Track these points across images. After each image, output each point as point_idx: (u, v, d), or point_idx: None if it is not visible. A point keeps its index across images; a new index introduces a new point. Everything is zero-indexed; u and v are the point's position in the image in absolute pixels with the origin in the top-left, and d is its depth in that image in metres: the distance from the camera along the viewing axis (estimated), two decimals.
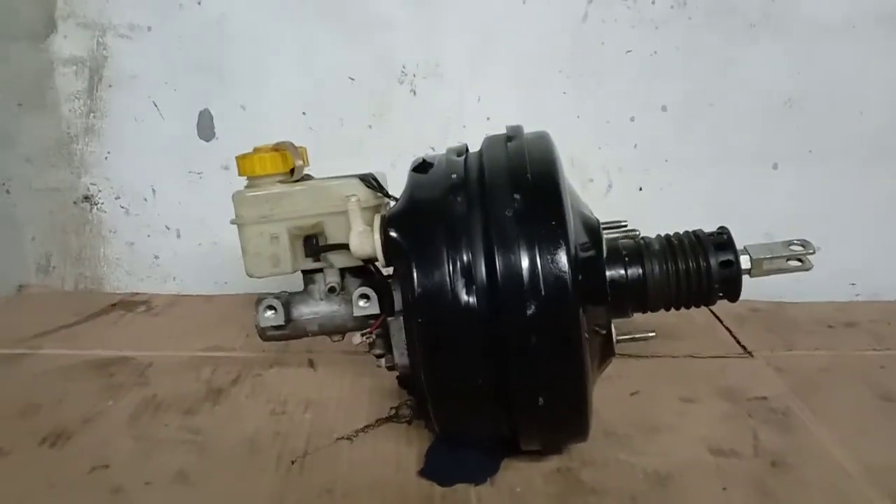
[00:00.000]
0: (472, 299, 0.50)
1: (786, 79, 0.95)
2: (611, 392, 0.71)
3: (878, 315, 0.94)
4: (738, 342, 0.85)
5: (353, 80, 0.92)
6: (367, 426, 0.66)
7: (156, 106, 0.93)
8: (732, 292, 0.58)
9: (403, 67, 0.92)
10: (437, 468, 0.59)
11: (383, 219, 0.54)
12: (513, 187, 0.51)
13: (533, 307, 0.49)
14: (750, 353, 0.82)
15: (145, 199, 0.97)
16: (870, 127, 0.96)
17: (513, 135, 0.57)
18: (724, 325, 0.90)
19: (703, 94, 0.94)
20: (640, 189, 0.97)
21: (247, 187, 0.60)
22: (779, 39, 0.93)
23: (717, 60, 0.94)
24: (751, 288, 0.89)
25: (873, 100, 0.95)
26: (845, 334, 0.89)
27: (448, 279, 0.51)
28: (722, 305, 0.91)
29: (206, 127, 0.94)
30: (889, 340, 0.86)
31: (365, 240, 0.54)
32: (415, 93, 0.92)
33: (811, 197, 0.97)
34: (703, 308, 0.92)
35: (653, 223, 0.62)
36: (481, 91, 0.92)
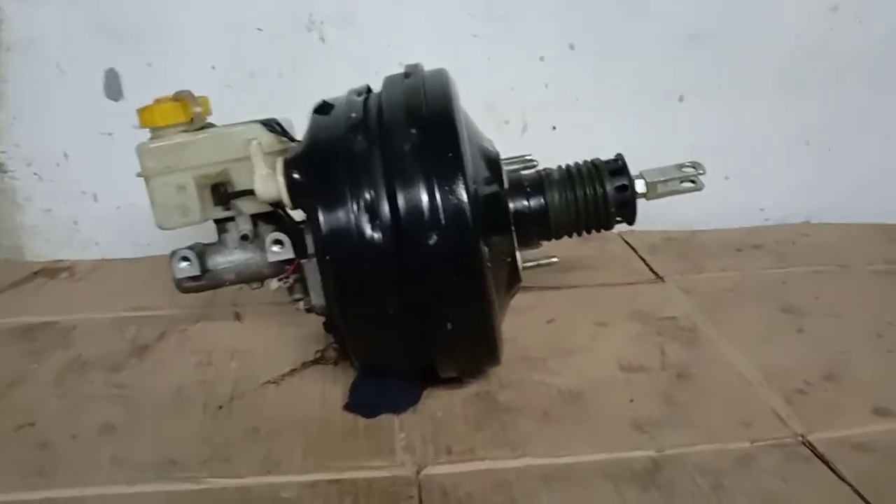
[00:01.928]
0: (378, 234, 0.52)
1: (693, 12, 0.97)
2: (528, 321, 0.74)
3: (784, 237, 1.00)
4: (651, 269, 0.89)
5: (260, 30, 0.92)
6: (293, 370, 0.67)
7: (59, 67, 0.91)
8: (629, 215, 0.62)
9: (311, 15, 0.91)
10: (361, 401, 0.61)
11: (286, 161, 0.55)
12: (409, 122, 0.53)
13: (434, 237, 0.51)
14: (661, 279, 0.86)
15: (58, 164, 0.95)
16: (776, 59, 1.00)
17: (410, 72, 0.58)
18: (637, 254, 0.94)
19: (611, 31, 0.97)
20: (554, 128, 0.99)
21: (150, 139, 0.60)
22: None
23: None
24: (665, 218, 0.94)
25: (779, 32, 0.99)
26: (752, 256, 0.94)
27: (352, 216, 0.52)
28: (637, 236, 0.98)
29: (113, 87, 0.92)
30: (792, 259, 0.92)
31: (269, 183, 0.55)
32: (324, 40, 0.92)
33: (721, 128, 1.01)
34: (619, 239, 0.99)
35: (569, 161, 0.64)
36: (392, 37, 0.93)
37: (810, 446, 0.55)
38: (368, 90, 0.60)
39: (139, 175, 0.59)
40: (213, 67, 0.92)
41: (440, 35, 0.94)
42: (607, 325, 0.75)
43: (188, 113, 0.59)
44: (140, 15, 0.91)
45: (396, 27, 0.94)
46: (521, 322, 0.71)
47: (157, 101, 0.59)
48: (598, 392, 0.63)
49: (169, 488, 0.52)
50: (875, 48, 1.00)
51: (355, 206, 0.52)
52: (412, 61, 0.62)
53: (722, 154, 0.87)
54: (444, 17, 0.95)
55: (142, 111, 0.59)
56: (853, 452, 0.54)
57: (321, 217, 0.52)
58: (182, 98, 0.59)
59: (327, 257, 0.53)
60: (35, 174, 0.96)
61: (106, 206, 0.97)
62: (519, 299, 0.64)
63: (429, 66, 0.61)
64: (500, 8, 0.94)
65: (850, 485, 0.50)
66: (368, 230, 0.52)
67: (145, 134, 0.62)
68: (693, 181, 0.63)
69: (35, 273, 0.95)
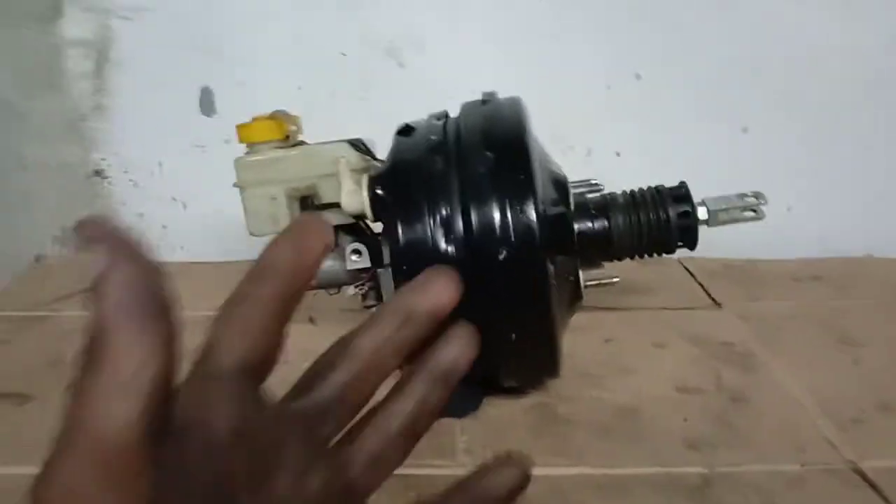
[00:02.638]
0: (451, 248, 0.56)
1: (757, 43, 0.99)
2: (586, 340, 0.77)
3: (843, 269, 1.00)
4: (709, 295, 0.90)
5: (344, 55, 0.98)
6: None
7: (159, 84, 0.99)
8: (690, 241, 0.64)
9: (391, 42, 0.97)
10: None
11: (370, 178, 0.59)
12: (485, 146, 0.57)
13: (504, 252, 0.55)
14: (719, 305, 0.88)
15: (152, 173, 1.03)
16: (835, 89, 1.01)
17: (487, 99, 0.62)
18: (696, 280, 0.95)
19: (675, 60, 0.99)
20: (618, 155, 1.02)
21: (246, 153, 0.65)
22: (746, 7, 0.98)
23: (688, 26, 0.99)
24: (725, 246, 0.96)
25: (837, 63, 1.00)
26: (810, 287, 0.94)
27: (429, 230, 0.57)
28: (696, 262, 1.00)
29: (207, 103, 0.99)
30: (851, 291, 0.92)
31: (354, 198, 0.60)
32: (402, 65, 0.98)
33: (781, 159, 1.02)
34: (678, 265, 1.00)
35: (631, 187, 0.67)
36: (464, 63, 0.98)
37: (861, 474, 0.56)
38: (447, 115, 0.64)
39: (235, 185, 0.65)
40: (300, 88, 0.98)
41: (510, 62, 0.99)
42: (664, 347, 0.77)
43: (283, 130, 0.64)
44: (234, 37, 0.98)
45: (468, 55, 0.98)
46: (579, 340, 0.74)
47: (255, 118, 0.65)
48: (653, 410, 0.65)
49: None
50: None
51: (432, 222, 0.56)
52: (484, 88, 0.66)
53: (785, 184, 0.88)
54: (515, 46, 0.99)
55: (240, 127, 0.64)
56: None
57: (400, 230, 0.57)
58: (277, 117, 0.64)
59: (403, 267, 0.57)
60: (131, 181, 1.03)
61: (194, 214, 1.04)
62: (578, 319, 0.67)
63: (501, 91, 0.65)
64: (569, 36, 0.98)
65: None
66: (443, 244, 0.56)
67: (236, 148, 0.68)
68: (755, 211, 0.65)
69: None
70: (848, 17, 0.98)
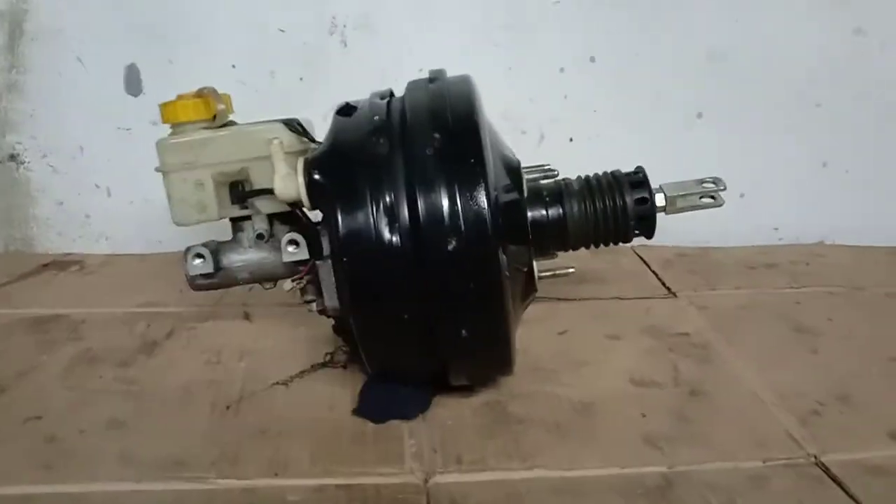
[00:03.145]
0: (396, 238, 0.52)
1: (712, 31, 0.98)
2: (540, 332, 0.74)
3: (798, 257, 0.99)
4: (664, 284, 0.88)
5: (283, 31, 0.92)
6: (302, 372, 0.67)
7: (81, 61, 0.91)
8: (648, 229, 0.61)
9: (333, 18, 0.92)
10: (371, 406, 0.61)
11: (306, 161, 0.54)
12: (432, 127, 0.52)
13: (453, 243, 0.50)
14: (674, 294, 0.86)
15: (73, 157, 0.96)
16: (796, 79, 1.00)
17: (435, 77, 0.58)
18: (650, 269, 0.93)
19: (632, 45, 0.97)
20: (571, 140, 0.99)
21: (170, 134, 0.60)
22: None
23: (644, 12, 0.96)
24: (678, 234, 0.94)
25: (801, 53, 0.99)
26: (765, 274, 0.93)
27: (372, 219, 0.52)
28: (651, 251, 0.97)
29: (133, 82, 0.93)
30: (805, 279, 0.91)
31: (289, 183, 0.55)
32: (345, 44, 0.93)
33: (736, 146, 1.01)
34: (632, 253, 0.98)
35: (584, 172, 0.64)
36: (413, 43, 0.93)
37: (824, 467, 0.54)
38: (391, 94, 0.60)
39: (158, 170, 0.59)
40: (234, 66, 0.92)
41: (461, 43, 0.95)
42: (619, 338, 0.74)
43: (210, 110, 0.59)
44: (163, 12, 0.91)
45: (417, 35, 0.94)
46: (533, 333, 0.71)
47: (180, 96, 0.59)
48: (609, 406, 0.62)
49: (177, 487, 0.51)
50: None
51: (375, 209, 0.52)
52: (433, 68, 0.62)
53: (738, 172, 0.86)
54: (466, 26, 0.95)
55: (164, 106, 0.59)
56: (867, 475, 0.53)
57: (340, 218, 0.52)
58: (205, 95, 0.59)
59: (344, 259, 0.53)
60: (50, 166, 0.96)
61: (119, 202, 0.97)
62: (531, 310, 0.63)
63: (449, 73, 0.61)
64: (522, 18, 0.94)
65: None
66: (387, 233, 0.52)
67: (163, 130, 0.62)
68: (713, 197, 0.62)
69: (45, 265, 0.95)
70: (805, 6, 0.97)
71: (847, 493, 0.51)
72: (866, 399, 0.63)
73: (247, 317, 0.79)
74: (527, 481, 0.52)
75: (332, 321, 0.67)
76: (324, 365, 0.68)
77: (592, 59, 0.97)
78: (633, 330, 0.76)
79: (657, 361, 0.70)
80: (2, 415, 0.60)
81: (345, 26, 0.92)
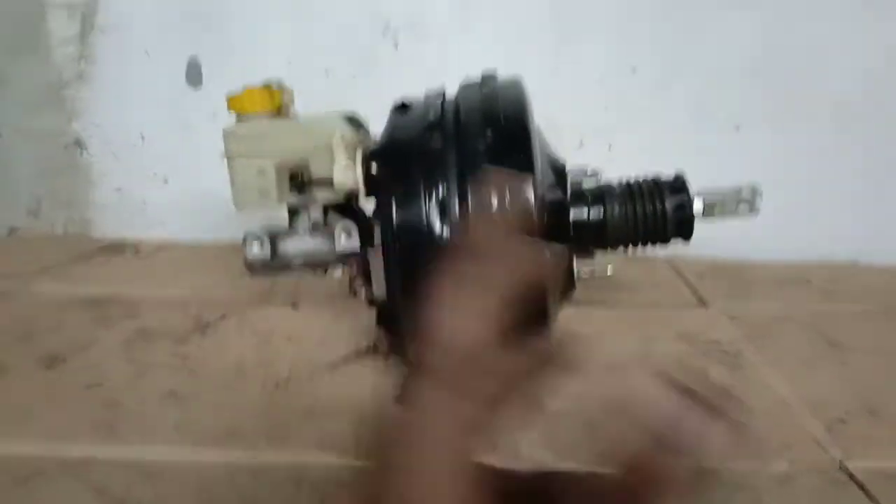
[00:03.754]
0: (447, 229, 0.55)
1: (752, 44, 0.99)
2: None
3: (831, 274, 1.00)
4: (696, 294, 0.90)
5: (339, 31, 0.95)
6: (346, 358, 0.70)
7: (146, 52, 0.96)
8: (686, 233, 0.63)
9: (387, 21, 0.95)
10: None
11: (365, 154, 0.58)
12: (485, 124, 0.55)
13: None
14: (706, 304, 0.87)
15: (134, 146, 1.00)
16: (834, 94, 1.01)
17: (487, 78, 0.61)
18: (683, 279, 0.95)
19: (671, 56, 0.99)
20: (610, 147, 1.01)
21: (237, 123, 0.63)
22: (746, 6, 0.98)
23: (685, 24, 0.98)
24: (712, 246, 0.95)
25: (840, 68, 1.00)
26: (798, 290, 0.94)
27: (424, 211, 0.55)
28: (684, 261, 0.99)
29: (194, 74, 0.97)
30: (838, 296, 0.92)
31: (347, 173, 0.58)
32: (397, 46, 0.96)
33: (772, 161, 1.02)
34: (666, 264, 0.99)
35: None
36: (462, 46, 0.96)
37: (848, 473, 0.56)
38: (444, 94, 0.63)
39: (223, 156, 0.63)
40: (289, 62, 0.96)
41: (506, 50, 0.97)
42: (651, 344, 0.76)
43: (275, 102, 0.62)
44: (225, 6, 0.95)
45: (465, 38, 0.97)
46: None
47: (247, 88, 0.63)
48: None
49: (229, 458, 0.55)
50: None
51: (428, 201, 0.54)
52: (483, 69, 0.64)
53: (774, 186, 0.88)
54: (513, 33, 0.98)
55: (232, 97, 0.62)
56: (891, 482, 0.54)
57: (394, 209, 0.55)
58: (271, 87, 0.62)
59: (396, 248, 0.56)
60: (111, 153, 1.00)
61: (175, 190, 1.01)
62: (564, 314, 0.66)
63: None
64: (568, 25, 0.97)
65: None
66: (438, 225, 0.55)
67: (221, 122, 0.65)
68: (750, 204, 0.64)
69: (101, 248, 1.00)
70: (847, 20, 0.98)
71: (870, 497, 0.53)
72: (893, 411, 0.65)
73: (294, 306, 0.82)
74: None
75: (373, 313, 0.70)
76: (367, 352, 0.71)
77: (634, 70, 0.99)
78: (665, 336, 0.77)
79: (688, 367, 0.71)
80: (65, 381, 0.64)
81: (397, 29, 0.96)
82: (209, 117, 0.88)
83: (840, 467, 0.56)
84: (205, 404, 0.61)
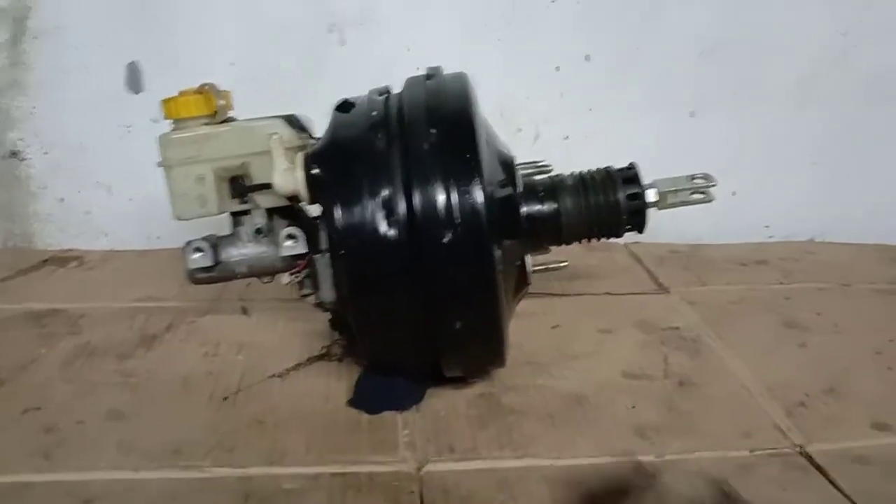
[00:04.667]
0: (393, 231, 0.53)
1: (704, 30, 0.99)
2: (533, 326, 0.75)
3: (788, 254, 1.01)
4: (656, 280, 0.90)
5: (283, 29, 0.93)
6: (298, 364, 0.68)
7: (83, 58, 0.92)
8: (639, 224, 0.62)
9: (332, 16, 0.93)
10: (365, 398, 0.62)
11: (306, 156, 0.56)
12: (429, 122, 0.53)
13: (449, 235, 0.52)
14: (666, 290, 0.87)
15: (74, 154, 0.97)
16: (788, 77, 1.02)
17: (431, 74, 0.59)
18: (643, 265, 0.94)
19: (625, 43, 0.98)
20: (566, 138, 1.01)
21: (172, 130, 0.61)
22: None
23: (638, 9, 0.97)
24: (671, 231, 0.95)
25: (792, 51, 1.01)
26: (756, 271, 0.94)
27: (369, 212, 0.53)
28: (643, 247, 0.99)
29: (134, 79, 0.94)
30: (796, 275, 0.93)
31: (288, 177, 0.56)
32: (344, 42, 0.94)
33: (731, 144, 1.02)
34: (624, 250, 0.99)
35: (579, 169, 0.65)
36: (411, 41, 0.94)
37: (809, 457, 0.55)
38: (388, 90, 0.61)
39: (160, 165, 0.60)
40: (233, 64, 0.93)
41: (458, 41, 0.96)
42: (611, 332, 0.75)
43: (211, 106, 0.60)
44: (164, 9, 0.92)
45: (415, 32, 0.95)
46: (526, 327, 0.72)
47: (182, 92, 0.60)
48: (600, 397, 0.63)
49: (173, 476, 0.52)
50: (887, 72, 1.01)
51: (372, 203, 0.53)
52: (430, 65, 0.63)
53: (730, 170, 0.88)
54: (463, 25, 0.96)
55: (166, 102, 0.60)
56: (851, 465, 0.54)
57: (338, 212, 0.53)
58: (206, 91, 0.60)
59: (342, 252, 0.54)
60: (52, 162, 0.97)
61: (119, 198, 0.98)
62: (524, 305, 0.65)
63: (446, 70, 0.62)
64: (518, 17, 0.95)
65: (847, 496, 0.50)
66: (384, 226, 0.53)
67: (163, 128, 0.63)
68: (703, 193, 0.63)
69: (45, 261, 0.96)
70: (800, 3, 0.98)
71: (831, 482, 0.52)
72: (852, 391, 0.65)
73: (245, 311, 0.80)
74: (518, 469, 0.53)
75: (328, 315, 0.68)
76: (320, 358, 0.69)
77: (587, 58, 0.98)
78: (625, 324, 0.77)
79: (648, 354, 0.71)
80: (1, 406, 0.61)
81: (343, 24, 0.93)
82: (152, 123, 0.85)
83: (800, 452, 0.56)
84: (149, 422, 0.59)
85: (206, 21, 0.93)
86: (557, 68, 0.98)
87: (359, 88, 0.62)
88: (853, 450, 0.56)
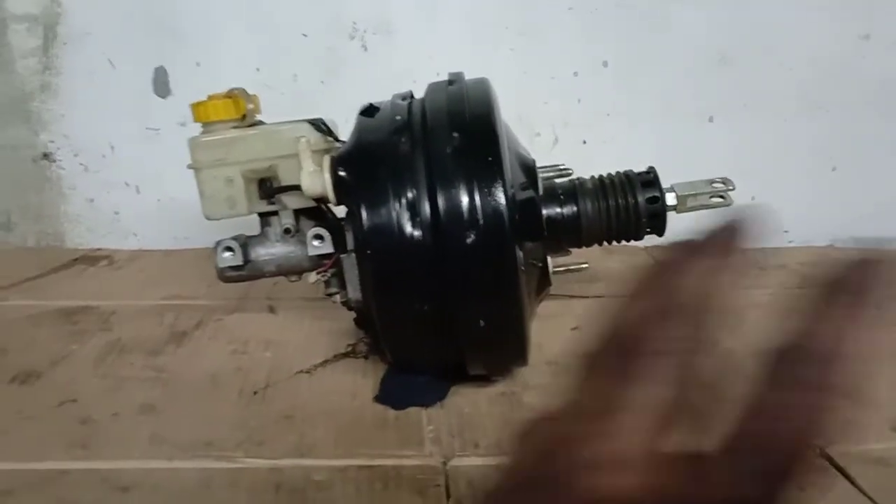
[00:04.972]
0: (417, 232, 0.54)
1: (722, 35, 0.99)
2: (554, 328, 0.76)
3: (807, 258, 1.00)
4: None
5: (305, 36, 0.95)
6: (325, 361, 0.70)
7: (111, 63, 0.95)
8: (659, 227, 0.63)
9: (354, 24, 0.95)
10: (391, 394, 0.63)
11: (332, 159, 0.57)
12: (452, 126, 0.55)
13: (472, 236, 0.53)
14: None
15: (104, 156, 0.99)
16: (803, 80, 1.02)
17: (453, 80, 0.60)
18: None
19: (642, 49, 0.99)
20: (585, 142, 1.01)
21: (202, 133, 0.62)
22: None
23: (655, 16, 0.98)
24: (690, 235, 0.95)
25: (808, 56, 1.01)
26: (775, 275, 0.95)
27: (394, 214, 0.55)
28: (663, 251, 0.99)
29: (161, 83, 0.96)
30: (815, 280, 0.93)
31: (315, 179, 0.58)
32: (366, 48, 0.95)
33: (747, 149, 1.02)
34: (645, 254, 1.00)
35: (598, 173, 0.66)
36: (431, 47, 0.96)
37: (828, 458, 0.56)
38: (412, 95, 0.62)
39: (189, 167, 0.62)
40: (258, 69, 0.95)
41: (477, 48, 0.97)
42: None
43: (240, 109, 0.61)
44: (190, 15, 0.94)
45: (435, 39, 0.97)
46: (546, 328, 0.72)
47: (211, 97, 0.62)
48: None
49: (206, 465, 0.54)
50: None
51: (397, 204, 0.54)
52: (449, 72, 0.64)
53: (749, 175, 0.88)
54: (482, 31, 0.97)
55: (195, 106, 0.62)
56: (871, 466, 0.55)
57: (364, 213, 0.55)
58: (235, 95, 0.62)
59: (368, 252, 0.55)
60: (81, 164, 0.99)
61: (147, 199, 1.00)
62: (545, 306, 0.66)
63: (467, 76, 0.63)
64: (537, 23, 0.97)
65: (868, 496, 0.51)
66: (409, 227, 0.54)
67: (190, 132, 0.65)
68: (723, 197, 0.64)
69: (75, 260, 0.99)
70: (813, 7, 0.99)
71: (852, 482, 0.53)
72: (871, 394, 0.65)
73: (272, 310, 0.82)
74: None
75: (353, 314, 0.70)
76: (346, 355, 0.71)
77: (605, 64, 0.99)
78: None
79: None
80: (38, 398, 0.63)
81: (364, 31, 0.95)
82: (178, 126, 0.87)
83: (820, 453, 0.56)
84: (180, 416, 0.61)
85: (232, 28, 0.95)
86: (576, 74, 0.99)
87: (380, 94, 0.64)
88: (873, 451, 0.57)
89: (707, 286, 0.26)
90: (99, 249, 1.01)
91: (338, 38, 0.96)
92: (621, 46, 0.99)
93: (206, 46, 0.95)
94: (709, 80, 1.01)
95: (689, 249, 0.26)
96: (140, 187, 1.00)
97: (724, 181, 0.64)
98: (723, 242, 0.24)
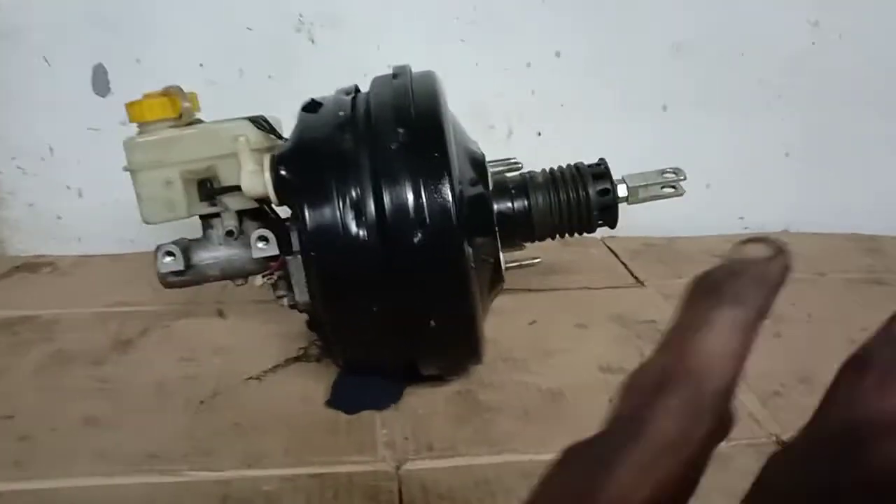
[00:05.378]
0: (363, 232, 0.53)
1: (675, 24, 0.99)
2: (509, 322, 0.75)
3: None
4: (632, 273, 0.90)
5: (250, 29, 0.92)
6: (275, 366, 0.68)
7: (46, 60, 0.91)
8: (611, 219, 0.63)
9: (301, 16, 0.92)
10: (343, 398, 0.61)
11: (273, 158, 0.55)
12: (397, 122, 0.53)
13: (419, 235, 0.52)
14: (642, 283, 0.87)
15: (42, 159, 0.95)
16: (758, 71, 1.02)
17: (398, 73, 0.59)
18: (619, 259, 0.95)
19: (595, 39, 0.98)
20: (539, 134, 1.01)
21: (138, 133, 0.60)
22: None
23: (608, 6, 0.97)
24: (646, 225, 0.95)
25: (761, 44, 1.01)
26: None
27: (338, 214, 0.53)
28: (618, 241, 0.99)
29: (100, 82, 0.92)
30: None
31: (255, 179, 0.56)
32: (313, 41, 0.93)
33: (700, 138, 1.03)
34: (600, 244, 1.00)
35: (552, 165, 0.65)
36: (380, 40, 0.94)
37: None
38: (356, 90, 0.61)
39: (126, 169, 0.60)
40: (201, 65, 0.92)
41: (428, 39, 0.95)
42: (588, 327, 0.76)
43: (176, 108, 0.59)
44: (130, 10, 0.91)
45: (385, 30, 0.95)
46: (502, 323, 0.72)
47: (146, 95, 0.60)
48: (578, 392, 0.63)
49: (149, 480, 0.52)
50: (855, 64, 1.02)
51: (341, 204, 0.53)
52: (400, 64, 0.63)
53: (703, 163, 0.88)
54: (433, 22, 0.96)
55: (130, 105, 0.59)
56: None
57: (307, 214, 0.53)
58: (171, 93, 0.59)
59: (312, 254, 0.54)
60: (19, 168, 0.95)
61: (90, 202, 0.97)
62: (500, 301, 0.65)
63: (416, 69, 0.62)
64: (488, 13, 0.95)
65: None
66: (354, 227, 0.53)
67: (132, 129, 0.62)
68: (674, 187, 0.64)
69: (17, 267, 0.95)
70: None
71: None
72: (827, 380, 0.65)
73: (221, 314, 0.80)
74: (496, 466, 0.54)
75: (305, 316, 0.68)
76: (297, 359, 0.69)
77: (558, 54, 0.98)
78: (602, 318, 0.77)
79: (625, 348, 0.71)
80: None
81: (312, 23, 0.93)
82: (120, 126, 0.84)
83: (776, 441, 0.57)
84: (124, 428, 0.58)
85: (174, 22, 0.92)
86: (528, 65, 0.98)
87: (329, 88, 0.62)
88: None
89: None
90: (41, 256, 0.98)
91: (284, 30, 0.93)
92: (574, 36, 0.98)
93: (147, 42, 0.91)
94: (662, 69, 1.00)
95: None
96: (83, 190, 0.97)
97: (676, 171, 0.64)
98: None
